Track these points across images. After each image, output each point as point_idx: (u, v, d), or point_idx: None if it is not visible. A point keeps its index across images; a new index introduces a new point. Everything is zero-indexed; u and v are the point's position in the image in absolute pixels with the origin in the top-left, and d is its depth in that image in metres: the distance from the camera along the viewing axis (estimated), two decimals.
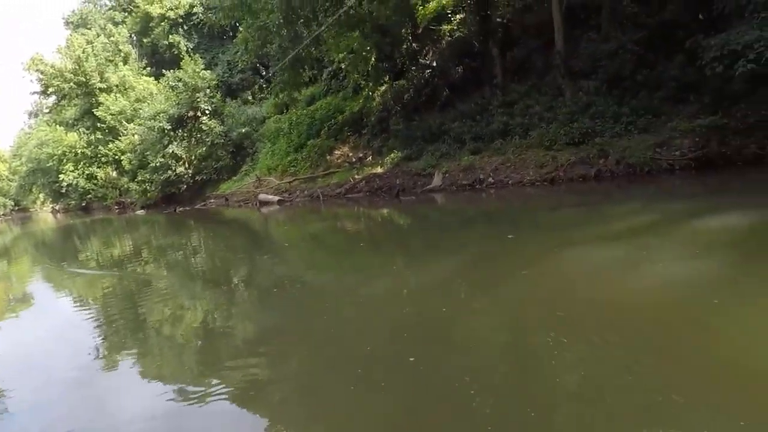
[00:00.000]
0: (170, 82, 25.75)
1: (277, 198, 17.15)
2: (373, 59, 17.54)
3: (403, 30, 16.14)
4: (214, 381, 4.16)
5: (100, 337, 6.13)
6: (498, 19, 14.93)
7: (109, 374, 4.94)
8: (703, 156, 9.40)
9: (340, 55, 18.76)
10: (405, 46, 16.51)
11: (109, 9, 41.97)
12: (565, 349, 3.41)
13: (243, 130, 24.36)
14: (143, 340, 5.87)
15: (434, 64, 16.28)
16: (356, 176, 15.44)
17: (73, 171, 34.74)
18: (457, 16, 17.77)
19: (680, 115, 10.35)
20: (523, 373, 3.25)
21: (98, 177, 34.09)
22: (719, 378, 2.84)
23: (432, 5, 18.27)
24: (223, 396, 3.80)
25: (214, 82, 25.81)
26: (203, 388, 3.97)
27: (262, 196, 17.73)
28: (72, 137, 35.23)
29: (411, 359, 3.67)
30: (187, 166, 24.29)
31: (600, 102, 11.35)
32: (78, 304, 9.08)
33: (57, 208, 48.98)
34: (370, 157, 16.79)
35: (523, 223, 8.70)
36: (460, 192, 12.11)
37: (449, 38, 17.35)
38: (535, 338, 3.88)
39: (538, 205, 9.97)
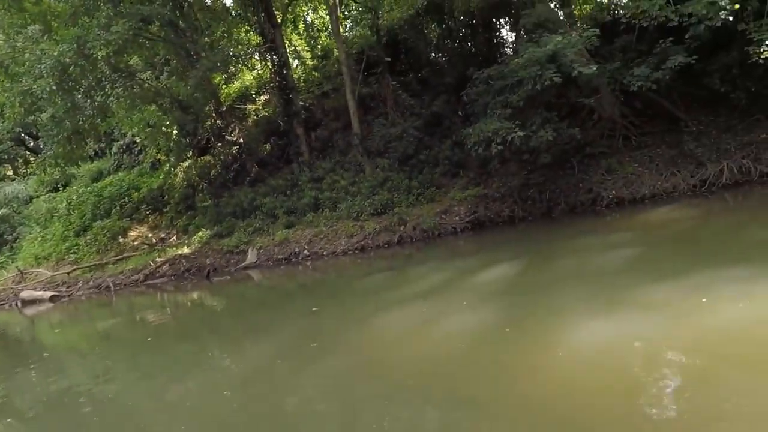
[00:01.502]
0: None
1: (50, 294, 13.90)
2: (174, 134, 16.58)
3: (207, 107, 15.86)
4: None
5: None
6: (300, 103, 16.02)
7: None
8: (475, 219, 11.49)
9: (135, 129, 17.19)
10: (210, 123, 16.16)
11: None
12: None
13: (0, 212, 19.55)
14: None
15: (241, 140, 16.29)
16: (158, 259, 13.78)
17: None
18: (262, 97, 18.44)
19: (455, 187, 12.58)
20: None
21: None
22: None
23: (236, 85, 18.59)
24: None
25: None
26: None
27: (26, 293, 14.13)
28: None
29: None
30: None
31: (394, 177, 12.99)
32: None
33: None
34: (174, 237, 15.30)
35: (340, 292, 9.01)
36: (276, 267, 11.93)
37: (255, 117, 17.75)
38: (362, 405, 3.96)
39: (353, 273, 10.51)
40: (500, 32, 15.26)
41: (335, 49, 16.62)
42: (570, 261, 7.39)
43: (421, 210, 12.04)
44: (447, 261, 9.58)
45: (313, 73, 18.32)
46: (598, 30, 10.46)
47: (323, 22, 19.24)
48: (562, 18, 12.89)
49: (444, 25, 15.53)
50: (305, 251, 11.98)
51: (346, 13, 17.48)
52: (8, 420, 5.86)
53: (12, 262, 17.50)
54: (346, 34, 17.40)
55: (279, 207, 13.69)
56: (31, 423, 5.48)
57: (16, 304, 14.18)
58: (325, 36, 19.38)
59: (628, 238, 8.22)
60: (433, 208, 12.01)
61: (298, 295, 9.63)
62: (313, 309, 7.59)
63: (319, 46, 19.30)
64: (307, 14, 19.60)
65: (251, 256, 12.30)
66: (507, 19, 14.79)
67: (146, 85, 15.45)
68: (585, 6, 15.26)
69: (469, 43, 15.54)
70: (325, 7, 17.53)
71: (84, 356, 8.59)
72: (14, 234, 19.41)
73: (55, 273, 15.35)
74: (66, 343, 9.83)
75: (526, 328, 4.95)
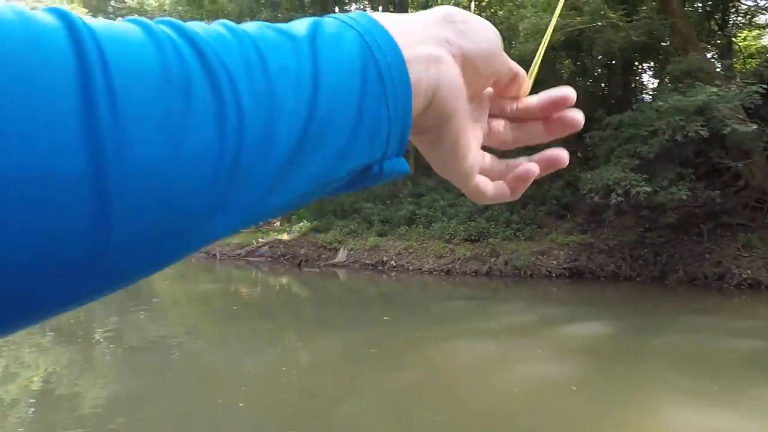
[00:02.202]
0: None
1: None
2: None
3: None
4: None
5: None
6: None
7: None
8: (574, 267, 10.72)
9: None
10: None
11: None
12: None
13: None
14: None
15: None
16: (260, 239, 15.00)
17: None
18: None
19: (558, 229, 11.88)
20: None
21: None
22: None
23: None
24: None
25: None
26: None
27: None
28: None
29: None
30: None
31: (495, 207, 12.67)
32: None
33: None
34: (277, 223, 16.54)
35: (417, 309, 8.99)
36: (362, 270, 12.28)
37: None
38: (418, 420, 3.90)
39: (434, 294, 10.42)
40: (641, 77, 14.23)
41: None
42: (679, 339, 6.54)
43: (517, 246, 11.56)
44: (534, 304, 9.06)
45: None
46: (763, 87, 9.23)
47: None
48: (718, 70, 11.62)
49: (578, 63, 14.89)
50: (392, 262, 12.16)
51: None
52: (112, 346, 6.79)
53: None
54: None
55: (376, 214, 14.10)
56: (129, 356, 6.28)
57: None
58: None
59: (759, 328, 7.05)
60: (530, 247, 11.46)
61: (376, 302, 9.80)
62: (384, 318, 7.67)
63: None
64: None
65: (341, 255, 12.81)
66: (651, 64, 13.74)
67: None
68: (750, 60, 13.59)
69: (603, 84, 14.69)
70: None
71: (182, 310, 9.66)
72: None
73: None
74: (172, 294, 11.12)
75: (603, 397, 4.49)
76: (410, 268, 11.83)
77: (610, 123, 10.52)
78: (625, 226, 10.72)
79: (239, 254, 14.65)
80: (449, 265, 11.52)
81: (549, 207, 12.49)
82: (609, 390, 4.64)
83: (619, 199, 9.35)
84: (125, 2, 34.12)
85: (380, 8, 16.69)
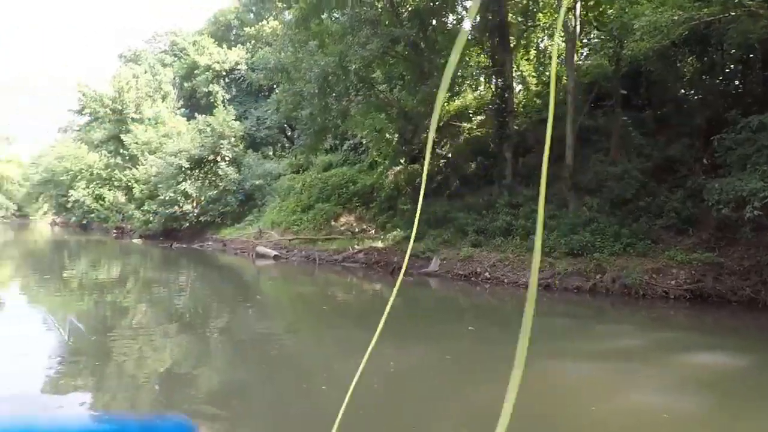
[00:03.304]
0: (199, 126, 26.96)
1: (274, 253, 17.17)
2: (394, 141, 18.45)
3: (426, 120, 17.14)
4: None
5: (58, 363, 5.90)
6: (515, 127, 15.88)
7: (52, 399, 4.73)
8: (697, 289, 9.47)
9: (364, 132, 19.76)
10: (425, 135, 17.45)
11: (161, 52, 45.17)
12: None
13: (257, 182, 25.00)
14: (99, 372, 5.66)
15: (449, 155, 17.09)
16: (356, 246, 15.56)
17: (84, 189, 35.26)
18: (478, 117, 18.95)
19: (678, 246, 10.59)
20: None
21: (106, 199, 34.51)
22: None
23: (456, 104, 19.56)
24: None
25: (240, 133, 26.98)
26: None
27: (260, 249, 17.77)
28: (92, 157, 36.23)
29: None
30: (194, 205, 24.64)
31: (602, 220, 11.69)
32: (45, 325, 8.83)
33: (57, 220, 49.02)
34: (372, 231, 17.03)
35: (511, 323, 8.60)
36: (455, 281, 12.11)
37: (467, 135, 18.36)
38: None
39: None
40: None
41: (564, 77, 15.93)
42: None
43: (627, 262, 10.54)
44: (646, 328, 8.18)
45: (534, 99, 17.93)
46: None
47: (556, 49, 18.66)
48: None
49: (705, 59, 13.26)
50: (486, 273, 11.83)
51: (585, 40, 16.57)
52: (223, 337, 7.48)
53: (257, 222, 22.20)
54: (580, 62, 16.47)
55: (470, 224, 13.84)
56: (237, 347, 6.88)
57: (252, 255, 17.94)
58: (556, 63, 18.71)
59: None
60: (643, 264, 10.38)
61: (468, 314, 9.59)
62: (476, 330, 7.46)
63: (547, 73, 18.76)
64: (542, 40, 19.27)
65: (434, 265, 12.78)
66: None
67: (381, 95, 17.58)
68: None
69: (736, 82, 12.90)
70: (563, 34, 16.97)
71: (283, 308, 10.35)
72: (263, 201, 24.56)
73: (281, 237, 18.82)
74: (275, 293, 11.99)
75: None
76: (505, 280, 11.40)
77: (747, 125, 9.19)
78: (765, 244, 9.24)
79: (336, 259, 15.33)
80: (548, 280, 10.89)
81: (667, 220, 11.22)
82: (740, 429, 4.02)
83: (756, 212, 8.10)
84: (245, 30, 37.98)
85: (477, 23, 16.50)
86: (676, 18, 9.77)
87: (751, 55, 12.23)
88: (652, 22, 10.00)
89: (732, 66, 13.07)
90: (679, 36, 13.04)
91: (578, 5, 13.72)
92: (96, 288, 12.51)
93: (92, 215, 35.80)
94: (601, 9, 14.40)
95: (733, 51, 12.34)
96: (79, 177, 36.04)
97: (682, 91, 14.05)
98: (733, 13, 9.89)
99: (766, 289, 8.93)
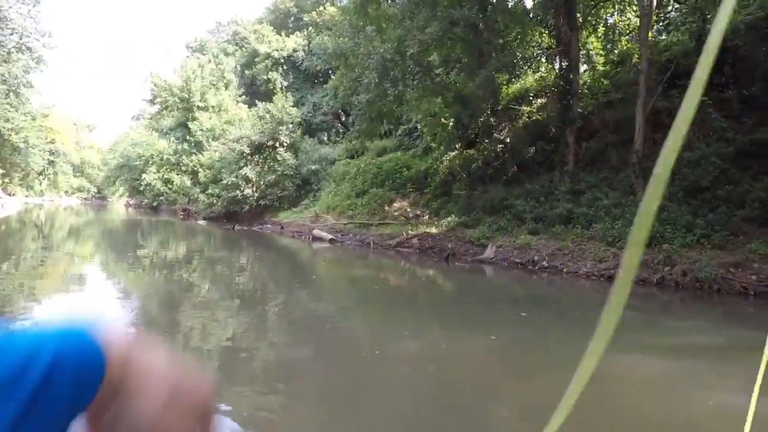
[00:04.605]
0: (259, 113, 27.91)
1: (329, 236, 17.56)
2: (449, 126, 18.13)
3: (484, 104, 16.64)
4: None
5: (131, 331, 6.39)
6: (579, 110, 15.06)
7: None
8: None
9: (419, 117, 19.56)
10: (482, 119, 16.96)
11: (225, 41, 46.98)
12: None
13: (313, 167, 25.59)
14: (167, 341, 6.07)
15: (508, 140, 16.53)
16: (410, 231, 15.55)
17: (155, 173, 37.77)
18: (539, 100, 18.15)
19: (762, 238, 9.68)
20: None
21: (174, 183, 36.77)
22: None
23: (516, 86, 18.83)
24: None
25: (297, 119, 27.65)
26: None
27: (316, 232, 18.23)
28: (162, 144, 38.63)
29: None
30: (254, 189, 25.66)
31: (673, 209, 10.90)
32: (121, 295, 9.59)
33: (131, 202, 53.03)
34: (426, 216, 16.93)
35: (573, 315, 8.29)
36: (510, 269, 11.82)
37: (527, 119, 17.66)
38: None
39: (590, 300, 9.48)
40: None
41: (635, 55, 14.87)
42: None
43: (701, 255, 9.78)
44: (722, 325, 7.58)
45: (601, 79, 16.89)
46: None
47: (628, 25, 17.38)
48: None
49: None
50: (544, 262, 11.43)
51: (661, 15, 15.31)
52: (280, 316, 7.77)
53: (313, 206, 22.77)
54: (654, 38, 15.27)
55: (528, 212, 13.40)
56: (293, 326, 7.13)
57: (308, 238, 18.46)
58: (626, 40, 17.48)
59: None
60: (719, 257, 9.59)
61: (525, 303, 9.33)
62: (533, 320, 7.24)
63: (616, 51, 17.57)
64: (612, 16, 18.04)
65: (489, 252, 12.52)
66: None
67: (437, 79, 17.26)
68: None
69: None
70: (635, 8, 15.78)
71: (337, 290, 10.59)
72: (319, 185, 25.12)
73: (336, 222, 19.20)
74: (329, 275, 12.29)
75: None
76: (564, 270, 10.96)
77: None
78: None
79: (390, 244, 15.42)
80: (611, 271, 10.33)
81: (749, 211, 10.27)
82: None
83: None
84: (303, 17, 38.61)
85: (541, 0, 15.66)
86: None
87: None
88: None
89: None
90: None
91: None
92: (166, 265, 13.43)
93: (161, 198, 38.34)
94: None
95: None
96: (150, 162, 38.62)
97: None
98: None
99: None
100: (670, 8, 15.67)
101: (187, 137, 36.64)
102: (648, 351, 5.74)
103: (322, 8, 37.16)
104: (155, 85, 39.72)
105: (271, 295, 9.85)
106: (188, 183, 35.68)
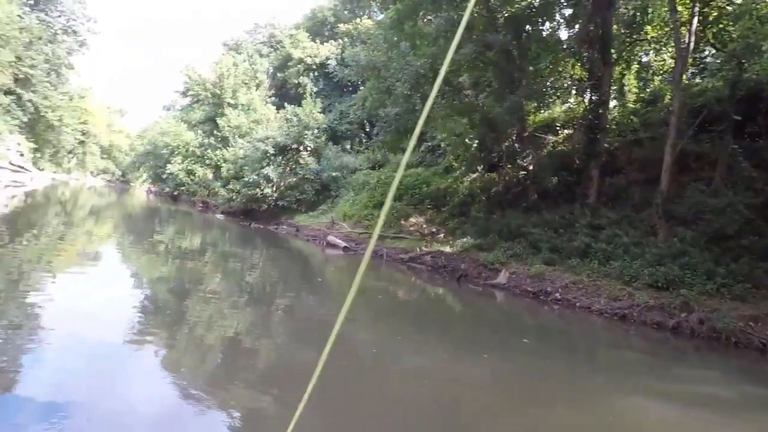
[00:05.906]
0: (287, 115, 28.36)
1: (343, 244, 17.63)
2: (473, 147, 18.14)
3: (510, 129, 16.63)
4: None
5: (138, 317, 6.49)
6: (605, 145, 14.96)
7: (125, 347, 5.19)
8: None
9: (444, 135, 19.63)
10: (507, 144, 16.94)
11: (260, 43, 48.05)
12: None
13: (334, 174, 25.82)
14: (173, 329, 6.15)
15: (530, 167, 16.46)
16: (424, 248, 15.52)
17: (179, 163, 38.53)
18: (565, 131, 18.08)
19: None
20: None
21: (196, 174, 37.43)
22: None
23: (544, 115, 18.81)
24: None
25: (323, 125, 28.01)
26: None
27: (331, 238, 18.32)
28: (190, 135, 39.45)
29: None
30: (274, 189, 25.97)
31: (695, 254, 10.68)
32: (134, 280, 9.74)
33: (152, 189, 54.06)
34: (442, 235, 16.89)
35: (581, 351, 8.15)
36: (522, 297, 11.69)
37: (552, 149, 17.58)
38: None
39: (601, 338, 9.32)
40: None
41: (667, 96, 14.76)
42: None
43: (720, 305, 9.55)
44: (736, 379, 7.36)
45: (631, 117, 16.78)
46: None
47: (662, 65, 17.29)
48: None
49: None
50: (557, 294, 11.28)
51: (697, 58, 15.21)
52: (285, 317, 7.80)
53: (330, 212, 22.91)
54: (687, 81, 15.15)
55: (545, 241, 13.27)
56: (298, 328, 7.15)
57: (322, 243, 18.55)
58: (659, 80, 17.38)
59: None
60: (738, 309, 9.34)
61: (534, 333, 9.20)
62: (541, 351, 7.14)
63: (648, 90, 17.46)
64: (647, 54, 17.97)
65: (502, 277, 12.42)
66: None
67: (466, 100, 17.34)
68: None
69: None
70: (671, 49, 15.70)
71: (344, 296, 10.56)
72: (337, 192, 25.30)
73: (352, 230, 19.27)
74: (337, 282, 12.30)
75: None
76: (577, 304, 10.80)
77: None
78: None
79: (403, 258, 15.40)
80: (625, 311, 10.15)
81: None
82: None
83: None
84: (339, 27, 39.33)
85: (576, 33, 15.72)
86: None
87: None
88: None
89: None
90: None
91: (695, 20, 12.61)
92: (179, 254, 13.62)
93: (182, 188, 39.03)
94: (721, 26, 13.12)
95: None
96: (176, 152, 39.43)
97: None
98: None
99: None
100: (706, 52, 15.56)
101: (215, 132, 37.38)
102: (659, 397, 5.61)
103: (358, 20, 37.82)
104: (189, 78, 40.72)
105: (279, 295, 9.91)
106: (210, 176, 36.29)
